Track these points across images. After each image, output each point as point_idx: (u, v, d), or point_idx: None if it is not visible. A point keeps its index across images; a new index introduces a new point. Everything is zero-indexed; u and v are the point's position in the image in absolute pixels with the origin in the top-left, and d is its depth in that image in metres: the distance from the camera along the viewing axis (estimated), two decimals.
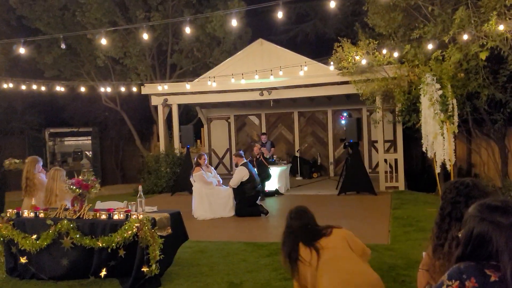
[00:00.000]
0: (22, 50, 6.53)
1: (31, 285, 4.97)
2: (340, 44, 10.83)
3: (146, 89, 13.36)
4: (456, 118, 7.05)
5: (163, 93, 13.06)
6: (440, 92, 6.88)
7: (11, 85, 11.64)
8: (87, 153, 19.45)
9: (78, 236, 4.80)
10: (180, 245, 5.41)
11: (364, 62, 10.40)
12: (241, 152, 9.42)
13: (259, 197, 9.22)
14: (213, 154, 16.66)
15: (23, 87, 12.43)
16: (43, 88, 12.88)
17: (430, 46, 9.04)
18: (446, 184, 2.29)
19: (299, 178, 14.56)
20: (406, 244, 6.02)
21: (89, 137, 18.76)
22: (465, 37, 8.53)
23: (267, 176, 10.95)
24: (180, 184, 12.08)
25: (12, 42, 7.13)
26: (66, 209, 5.11)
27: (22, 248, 5.03)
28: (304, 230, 3.20)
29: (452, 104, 6.94)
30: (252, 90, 12.55)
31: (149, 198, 11.16)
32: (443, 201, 2.24)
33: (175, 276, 5.04)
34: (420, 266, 2.48)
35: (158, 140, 14.66)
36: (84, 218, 4.96)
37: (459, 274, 1.55)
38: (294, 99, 14.09)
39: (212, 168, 9.75)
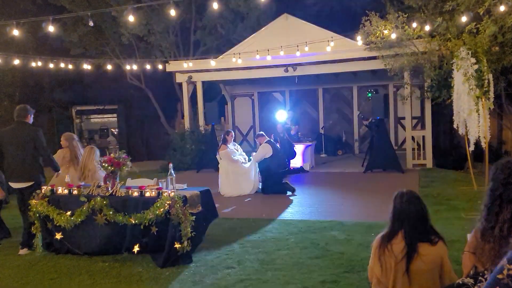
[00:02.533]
0: (51, 28, 6.56)
1: (66, 260, 5.11)
2: (368, 18, 10.49)
3: (171, 67, 13.34)
4: (492, 94, 6.79)
5: (188, 70, 13.03)
6: (476, 66, 6.61)
7: (39, 63, 11.79)
8: (113, 130, 19.75)
9: (111, 213, 4.89)
10: (211, 222, 5.46)
11: (393, 36, 10.08)
12: (262, 132, 9.51)
13: (285, 175, 9.20)
14: (237, 131, 16.65)
15: (51, 65, 12.58)
16: (69, 66, 13.02)
17: (463, 19, 8.67)
18: (497, 164, 2.19)
19: (323, 155, 14.45)
20: (438, 223, 5.84)
21: (115, 115, 19.02)
22: (502, 8, 8.15)
23: (292, 154, 10.90)
24: (206, 161, 12.16)
25: (39, 20, 7.16)
26: (99, 186, 5.19)
27: (57, 224, 5.18)
28: (407, 220, 2.75)
29: (488, 79, 6.68)
30: (276, 66, 12.38)
31: (175, 175, 11.26)
32: (493, 182, 2.14)
33: (206, 252, 5.10)
34: (465, 249, 2.41)
35: (182, 118, 14.72)
36: (116, 195, 5.03)
37: None
38: (319, 75, 13.86)
39: (239, 146, 9.76)
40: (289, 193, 8.64)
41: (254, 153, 9.18)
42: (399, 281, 2.69)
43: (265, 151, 8.86)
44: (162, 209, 4.63)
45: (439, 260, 2.70)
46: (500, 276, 1.45)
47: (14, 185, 5.46)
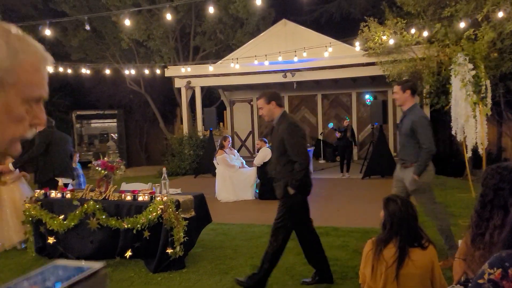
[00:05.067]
0: (48, 32, 6.56)
1: None
2: (367, 23, 10.51)
3: (170, 72, 13.35)
4: (489, 100, 6.78)
5: (186, 75, 13.03)
6: (473, 72, 6.59)
7: None
8: (113, 135, 19.70)
9: (104, 217, 4.84)
10: (204, 227, 5.40)
11: (391, 42, 10.08)
12: (265, 139, 9.58)
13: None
14: (235, 137, 16.63)
15: (51, 70, 12.59)
16: (69, 71, 13.04)
17: (462, 25, 8.68)
18: (487, 169, 2.14)
19: (322, 161, 14.41)
20: (434, 230, 5.80)
21: (115, 120, 18.98)
22: (500, 14, 8.15)
23: None
24: (203, 166, 12.12)
25: (38, 24, 7.16)
26: (92, 190, 5.15)
27: (50, 228, 5.13)
28: (405, 225, 2.72)
29: (486, 85, 6.67)
30: (275, 72, 12.38)
31: (172, 180, 11.24)
32: (484, 188, 2.09)
33: (199, 258, 5.05)
34: (456, 255, 2.36)
35: (182, 123, 14.72)
36: (109, 199, 4.99)
37: (501, 261, 1.44)
38: (318, 81, 13.85)
39: (235, 150, 9.74)
40: None
41: (254, 161, 9.17)
42: (389, 287, 2.64)
43: (264, 154, 8.86)
44: (154, 214, 4.59)
45: (429, 265, 2.67)
46: (480, 281, 1.43)
47: (66, 180, 5.86)
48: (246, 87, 15.20)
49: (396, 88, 4.62)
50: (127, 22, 6.91)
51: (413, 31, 9.96)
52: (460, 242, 2.51)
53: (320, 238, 5.67)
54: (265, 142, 9.23)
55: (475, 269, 2.12)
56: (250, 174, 8.94)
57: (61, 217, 5.09)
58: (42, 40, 14.17)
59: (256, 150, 9.30)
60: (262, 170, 8.83)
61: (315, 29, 12.67)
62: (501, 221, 2.00)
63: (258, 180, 8.94)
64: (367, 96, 13.41)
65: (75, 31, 15.01)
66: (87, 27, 6.69)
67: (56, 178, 5.82)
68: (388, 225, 2.77)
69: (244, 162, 9.32)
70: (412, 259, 2.65)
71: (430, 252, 2.71)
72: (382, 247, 2.72)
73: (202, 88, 13.97)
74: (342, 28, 15.70)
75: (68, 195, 5.23)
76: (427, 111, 11.17)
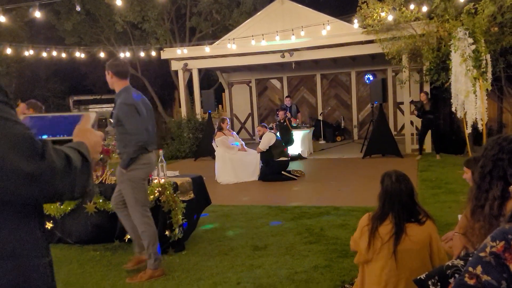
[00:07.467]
0: (38, 14, 6.43)
1: (57, 249, 5.04)
2: (365, 0, 10.32)
3: (166, 54, 13.17)
4: (489, 75, 6.66)
5: (183, 57, 12.86)
6: (473, 47, 6.47)
7: (31, 52, 11.61)
8: (111, 120, 19.60)
9: (101, 201, 4.81)
10: (203, 209, 5.37)
11: (390, 18, 9.90)
12: (264, 124, 9.50)
13: (287, 165, 9.06)
14: (235, 119, 16.54)
15: (45, 55, 12.43)
16: (63, 55, 12.87)
17: None
18: (487, 140, 2.09)
19: (322, 142, 14.34)
20: (435, 207, 5.84)
21: (112, 104, 18.84)
22: None
23: (290, 141, 10.80)
24: (203, 149, 12.06)
25: (29, 6, 7.02)
26: None
27: (47, 213, 5.08)
28: (397, 200, 2.67)
29: (486, 59, 6.55)
30: (273, 52, 12.20)
31: (172, 164, 11.22)
32: (483, 159, 2.03)
33: (199, 239, 5.03)
34: (455, 230, 2.32)
35: (180, 106, 14.60)
36: (106, 183, 4.95)
37: (504, 234, 1.41)
38: (317, 61, 13.67)
39: (234, 132, 9.67)
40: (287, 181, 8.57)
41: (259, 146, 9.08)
42: (387, 262, 2.61)
43: (269, 138, 8.83)
44: (152, 196, 4.54)
45: (427, 240, 2.63)
46: (482, 254, 1.40)
47: None
48: (244, 68, 15.03)
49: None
50: (119, 2, 6.76)
51: (412, 6, 9.78)
52: (460, 217, 2.47)
53: (320, 218, 5.67)
54: (266, 128, 9.19)
55: (475, 242, 2.08)
56: (252, 157, 8.89)
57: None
58: (33, 23, 13.98)
59: (259, 138, 9.22)
60: (268, 153, 8.77)
61: (313, 7, 12.45)
62: (500, 192, 1.95)
63: (262, 164, 8.89)
64: (366, 76, 13.09)
65: (68, 14, 14.75)
66: (78, 8, 6.56)
67: None
68: (381, 201, 2.75)
69: (244, 143, 9.26)
70: (408, 234, 2.61)
71: (428, 227, 2.66)
72: (378, 224, 2.69)
73: (200, 70, 13.81)
74: (340, 6, 15.44)
75: None
76: (427, 88, 11.06)
